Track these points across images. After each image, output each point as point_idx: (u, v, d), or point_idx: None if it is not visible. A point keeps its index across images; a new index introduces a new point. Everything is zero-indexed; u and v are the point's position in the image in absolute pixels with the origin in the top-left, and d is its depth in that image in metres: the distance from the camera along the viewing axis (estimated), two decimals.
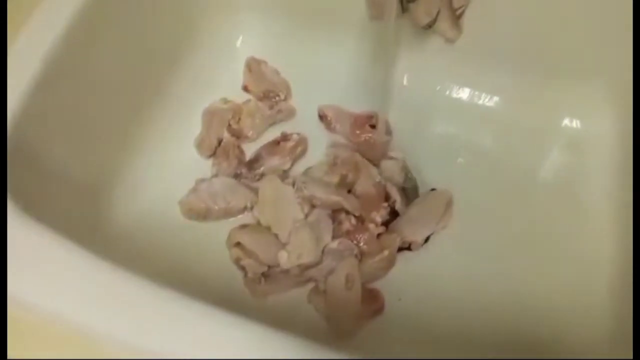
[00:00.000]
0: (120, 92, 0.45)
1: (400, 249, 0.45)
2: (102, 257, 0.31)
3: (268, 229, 0.43)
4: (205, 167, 0.49)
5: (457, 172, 0.49)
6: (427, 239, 0.46)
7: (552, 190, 0.48)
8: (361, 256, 0.44)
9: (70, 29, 0.39)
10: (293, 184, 0.45)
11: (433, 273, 0.44)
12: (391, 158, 0.50)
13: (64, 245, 0.31)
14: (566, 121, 0.49)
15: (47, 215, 0.33)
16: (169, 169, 0.47)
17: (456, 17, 0.48)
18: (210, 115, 0.50)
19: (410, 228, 0.45)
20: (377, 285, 0.44)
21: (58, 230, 0.32)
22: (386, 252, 0.43)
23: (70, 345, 0.29)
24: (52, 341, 0.30)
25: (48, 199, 0.37)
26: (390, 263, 0.44)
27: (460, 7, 0.47)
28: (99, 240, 0.33)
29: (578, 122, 0.49)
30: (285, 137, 0.50)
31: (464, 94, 0.52)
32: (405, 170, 0.49)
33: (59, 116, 0.39)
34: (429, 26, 0.48)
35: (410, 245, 0.45)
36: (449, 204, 0.47)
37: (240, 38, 0.54)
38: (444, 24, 0.48)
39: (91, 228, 0.40)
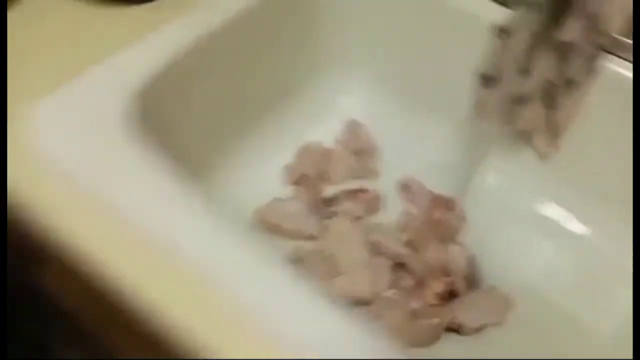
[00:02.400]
0: (239, 106, 0.50)
1: (449, 329, 0.44)
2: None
3: (331, 257, 0.44)
4: (285, 193, 0.51)
5: (524, 279, 0.48)
6: (479, 329, 0.44)
7: (613, 331, 0.45)
8: (411, 316, 0.42)
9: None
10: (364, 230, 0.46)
11: None
12: (460, 244, 0.50)
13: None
14: None
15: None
16: (255, 181, 0.50)
17: (556, 134, 0.50)
18: (305, 151, 0.54)
19: (465, 311, 0.44)
20: (417, 354, 0.42)
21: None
22: (436, 320, 0.42)
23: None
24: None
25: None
26: (436, 335, 0.42)
27: (562, 125, 0.50)
28: None
29: None
30: (363, 190, 0.52)
31: (548, 209, 0.51)
32: (471, 260, 0.49)
33: (191, 99, 0.45)
34: (527, 136, 0.50)
35: (460, 327, 0.44)
36: (510, 304, 0.45)
37: (347, 97, 0.58)
38: (541, 137, 0.51)
39: None
